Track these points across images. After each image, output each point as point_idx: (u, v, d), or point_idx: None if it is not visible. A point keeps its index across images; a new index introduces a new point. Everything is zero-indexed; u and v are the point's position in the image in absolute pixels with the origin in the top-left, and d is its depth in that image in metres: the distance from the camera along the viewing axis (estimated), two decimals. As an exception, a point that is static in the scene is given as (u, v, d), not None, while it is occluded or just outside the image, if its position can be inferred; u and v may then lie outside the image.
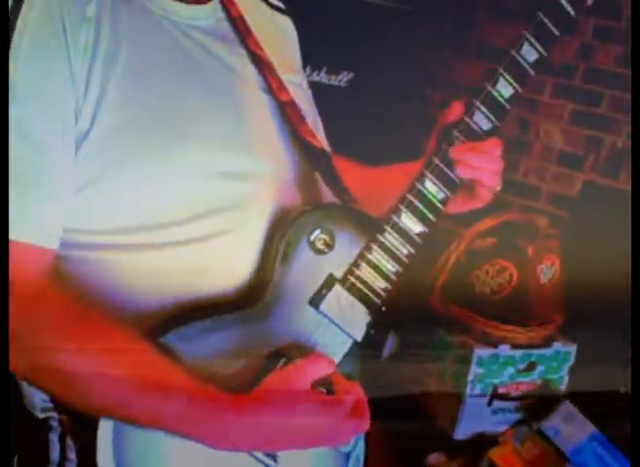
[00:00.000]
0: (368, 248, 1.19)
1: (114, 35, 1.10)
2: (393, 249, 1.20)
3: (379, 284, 1.20)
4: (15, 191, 1.03)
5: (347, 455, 1.27)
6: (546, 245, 2.23)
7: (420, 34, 3.17)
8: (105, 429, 1.07)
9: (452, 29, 3.33)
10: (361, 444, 1.28)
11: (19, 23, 1.04)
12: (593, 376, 2.04)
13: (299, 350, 1.16)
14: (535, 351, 2.10)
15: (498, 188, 1.28)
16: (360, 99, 3.05)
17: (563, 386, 2.16)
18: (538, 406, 2.07)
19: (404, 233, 1.20)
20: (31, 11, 1.05)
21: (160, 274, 1.14)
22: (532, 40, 1.21)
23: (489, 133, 1.24)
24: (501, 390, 2.06)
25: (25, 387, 1.16)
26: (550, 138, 3.22)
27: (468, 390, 2.00)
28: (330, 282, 1.17)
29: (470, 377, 2.00)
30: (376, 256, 1.19)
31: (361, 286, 1.19)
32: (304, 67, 1.46)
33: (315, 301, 1.17)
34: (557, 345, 2.14)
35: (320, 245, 1.17)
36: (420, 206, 1.20)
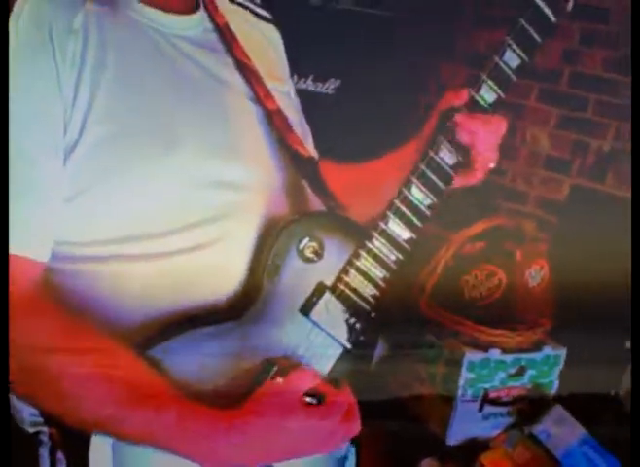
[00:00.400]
0: (356, 255, 1.19)
1: (101, 46, 1.10)
2: (381, 255, 1.20)
3: (368, 291, 1.20)
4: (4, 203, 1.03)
5: (341, 461, 1.27)
6: (534, 249, 2.23)
7: (406, 40, 3.18)
8: (100, 443, 1.06)
9: (438, 35, 3.34)
10: (352, 449, 1.28)
11: (10, 35, 1.04)
12: (583, 379, 2.05)
13: (289, 359, 1.16)
14: (525, 355, 2.10)
15: (492, 164, 1.27)
16: (347, 106, 3.05)
17: (554, 390, 2.17)
18: (529, 410, 2.07)
19: (392, 240, 1.20)
20: (18, 22, 1.05)
21: (149, 285, 1.13)
22: (514, 46, 1.21)
23: None
24: (492, 395, 2.06)
25: (15, 402, 1.16)
26: (536, 143, 3.23)
27: (459, 395, 2.00)
28: (319, 290, 1.18)
29: (461, 382, 2.00)
30: (365, 263, 1.20)
31: (350, 293, 1.19)
32: (291, 75, 1.46)
33: (305, 309, 1.17)
34: (547, 349, 2.14)
35: (309, 253, 1.17)
36: (407, 212, 1.21)
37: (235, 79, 1.26)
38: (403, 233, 1.21)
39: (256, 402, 1.08)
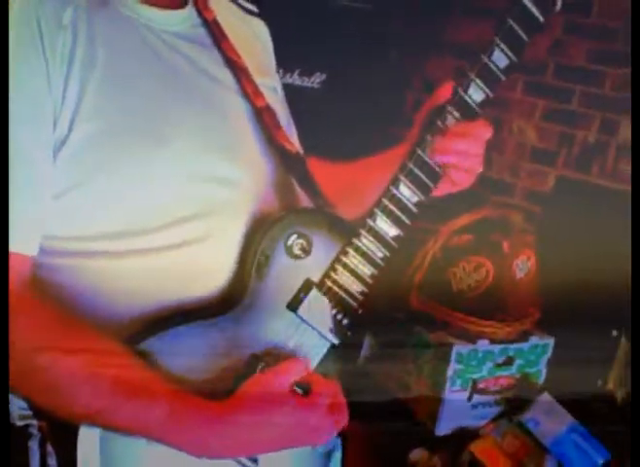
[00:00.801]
0: (344, 252, 1.20)
1: (90, 42, 1.10)
2: (369, 252, 1.21)
3: (356, 287, 1.21)
4: None
5: (327, 455, 1.27)
6: (521, 240, 2.25)
7: (391, 34, 3.19)
8: (88, 435, 1.07)
9: (424, 28, 3.34)
10: (339, 442, 1.29)
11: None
12: (571, 368, 2.06)
13: (277, 355, 1.17)
14: (513, 345, 2.12)
15: (479, 169, 1.28)
16: (333, 100, 3.06)
17: (542, 379, 2.18)
18: (517, 399, 2.09)
19: (379, 237, 1.21)
20: (8, 18, 1.05)
21: (139, 281, 1.14)
22: (502, 46, 1.22)
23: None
24: (480, 385, 2.07)
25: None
26: (523, 135, 3.25)
27: (448, 386, 2.02)
28: (307, 286, 1.18)
29: (449, 373, 2.01)
30: (353, 259, 1.20)
31: (338, 289, 1.20)
32: (277, 70, 1.46)
33: (293, 305, 1.18)
34: (534, 339, 2.16)
35: (297, 250, 1.18)
36: (395, 210, 1.21)
37: (224, 75, 1.26)
38: (390, 231, 1.21)
39: (245, 393, 1.09)
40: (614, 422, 1.98)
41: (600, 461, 1.93)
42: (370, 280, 1.22)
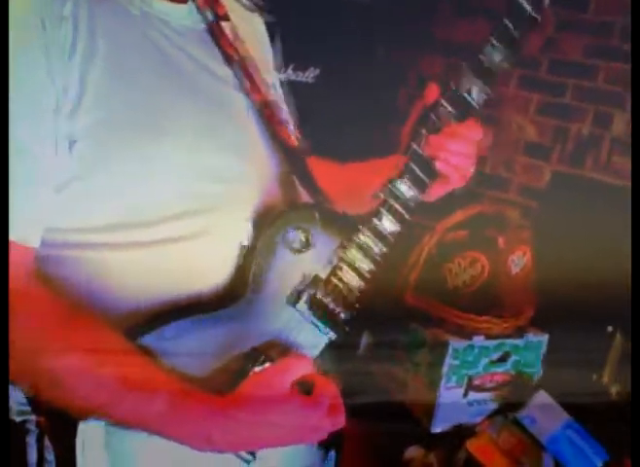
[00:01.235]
0: (343, 247, 1.21)
1: (91, 34, 1.10)
2: (367, 248, 1.21)
3: (354, 282, 1.22)
4: None
5: (323, 449, 1.28)
6: (517, 236, 2.25)
7: (385, 29, 3.18)
8: (89, 430, 1.07)
9: (417, 24, 3.34)
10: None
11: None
12: (566, 365, 2.06)
13: (277, 348, 1.17)
14: (508, 341, 2.12)
15: (471, 169, 1.29)
16: (328, 95, 3.05)
17: (537, 376, 2.18)
18: (513, 396, 2.09)
19: (377, 233, 1.22)
20: (11, 12, 1.04)
21: (141, 274, 1.14)
22: (495, 43, 1.22)
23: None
24: (476, 382, 2.07)
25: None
26: (521, 130, 3.24)
27: (443, 382, 2.02)
28: (306, 281, 1.19)
29: (445, 369, 2.01)
30: (351, 255, 1.21)
31: (337, 284, 1.21)
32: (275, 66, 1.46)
33: (292, 299, 1.18)
34: (530, 336, 2.16)
35: (297, 245, 1.18)
36: (394, 205, 1.22)
37: (225, 71, 1.26)
38: (389, 226, 1.22)
39: (247, 390, 1.10)
40: (609, 419, 1.98)
41: (596, 458, 1.93)
42: (368, 276, 1.22)
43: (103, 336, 1.07)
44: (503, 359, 2.12)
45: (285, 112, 1.36)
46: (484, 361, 2.09)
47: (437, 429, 2.03)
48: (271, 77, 1.39)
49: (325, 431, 1.15)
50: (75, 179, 1.09)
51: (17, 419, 1.15)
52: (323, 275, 1.20)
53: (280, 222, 1.18)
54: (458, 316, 2.08)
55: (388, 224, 1.22)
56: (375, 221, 1.21)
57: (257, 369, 1.14)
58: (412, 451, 1.95)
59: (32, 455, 1.14)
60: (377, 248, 1.22)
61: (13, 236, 1.05)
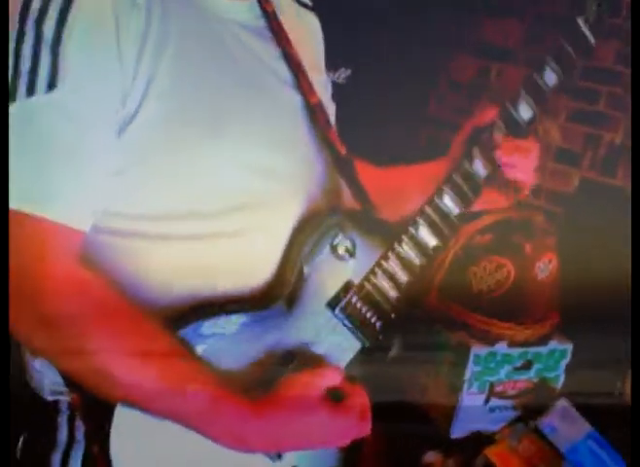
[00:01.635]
0: (385, 257, 1.22)
1: (163, 24, 1.11)
2: (408, 260, 1.23)
3: (392, 293, 1.22)
4: (51, 169, 1.03)
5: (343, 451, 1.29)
6: (543, 242, 2.23)
7: (418, 31, 3.17)
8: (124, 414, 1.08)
9: (449, 26, 3.33)
10: None
11: (74, 6, 1.04)
12: (590, 374, 2.05)
13: (310, 353, 1.20)
14: (532, 349, 2.10)
15: (530, 187, 1.32)
16: (359, 96, 3.05)
17: (560, 384, 2.17)
18: (535, 404, 2.07)
19: (419, 245, 1.23)
20: None
21: (184, 265, 1.15)
22: (553, 65, 1.26)
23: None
24: (498, 388, 2.06)
25: (34, 369, 1.17)
26: (547, 135, 3.22)
27: (464, 388, 2.01)
28: (347, 287, 1.21)
29: (466, 376, 2.00)
30: (392, 265, 1.23)
31: (375, 293, 1.22)
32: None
33: (332, 304, 1.20)
34: (554, 343, 2.14)
35: (341, 251, 1.20)
36: (437, 220, 1.24)
37: (282, 68, 1.27)
38: (430, 241, 1.24)
39: (282, 394, 1.11)
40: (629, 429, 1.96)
41: (616, 467, 1.91)
42: (404, 286, 1.24)
43: (149, 327, 1.08)
44: (526, 366, 2.11)
45: (332, 113, 1.37)
46: (507, 368, 2.08)
47: (456, 434, 2.02)
48: (324, 77, 1.39)
49: (350, 437, 1.17)
50: (132, 165, 1.10)
51: (49, 398, 1.16)
52: (363, 283, 1.22)
53: (327, 226, 1.19)
54: (482, 321, 2.07)
55: (429, 237, 1.23)
56: (416, 233, 1.23)
57: (290, 372, 1.16)
58: (431, 457, 1.95)
59: (62, 434, 1.16)
60: (417, 260, 1.23)
61: (62, 217, 1.04)
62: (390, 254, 1.22)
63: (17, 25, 1.02)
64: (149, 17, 1.08)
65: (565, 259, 2.23)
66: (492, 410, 2.06)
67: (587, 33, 1.25)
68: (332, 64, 3.04)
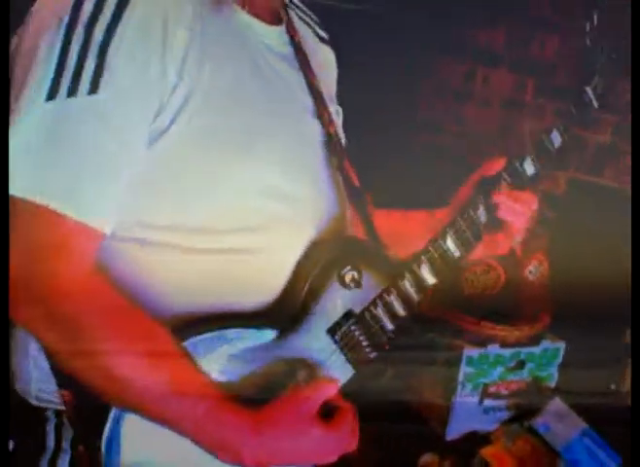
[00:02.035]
0: (387, 291, 1.26)
1: (202, 45, 1.12)
2: (407, 296, 1.27)
3: (389, 326, 1.27)
4: (81, 169, 1.04)
5: None
6: (534, 244, 2.25)
7: (402, 34, 3.18)
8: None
9: (433, 30, 3.34)
10: None
11: (126, 15, 1.06)
12: (583, 372, 2.06)
13: (309, 373, 1.21)
14: (524, 349, 2.11)
15: (521, 236, 1.37)
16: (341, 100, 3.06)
17: (553, 383, 2.18)
18: (529, 403, 2.08)
19: (419, 283, 1.27)
20: (137, 7, 1.07)
21: (194, 278, 1.16)
22: (561, 128, 1.34)
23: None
24: (491, 389, 2.07)
25: (21, 372, 1.18)
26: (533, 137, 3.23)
27: (458, 390, 2.02)
28: (348, 316, 1.24)
29: (460, 378, 2.01)
30: (392, 299, 1.26)
31: (373, 324, 1.26)
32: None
33: (333, 330, 1.23)
34: (546, 343, 2.15)
35: (348, 280, 1.23)
36: (439, 261, 1.28)
37: (305, 96, 1.30)
38: (430, 279, 1.28)
39: (277, 407, 1.12)
40: (626, 425, 1.97)
41: (611, 463, 1.92)
42: (402, 320, 1.28)
43: (157, 333, 1.08)
44: (519, 367, 2.12)
45: (343, 144, 1.39)
46: (500, 369, 2.09)
47: (451, 436, 2.03)
48: (335, 107, 1.41)
49: (339, 454, 1.18)
50: (157, 177, 1.12)
51: (34, 403, 1.17)
52: (363, 313, 1.25)
53: (338, 257, 1.23)
54: (473, 324, 2.08)
55: (429, 276, 1.28)
56: (418, 271, 1.27)
57: (289, 387, 1.17)
58: (427, 458, 1.96)
59: (50, 441, 1.17)
60: (416, 297, 1.27)
61: (85, 217, 1.05)
62: (392, 288, 1.26)
63: (65, 27, 1.04)
64: (192, 37, 1.11)
65: (556, 259, 2.24)
66: (486, 410, 2.07)
67: (593, 100, 1.35)
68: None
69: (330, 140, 1.31)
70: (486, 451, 1.94)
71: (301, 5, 1.43)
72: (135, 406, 1.08)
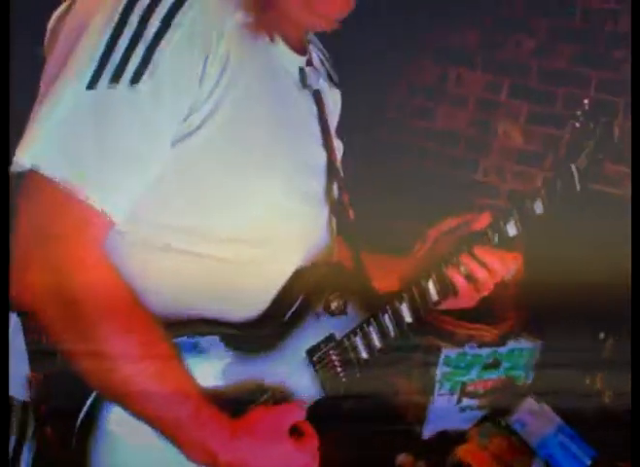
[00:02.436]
0: (367, 322, 1.30)
1: (240, 59, 1.15)
2: (385, 329, 1.31)
3: (364, 355, 1.30)
4: (108, 154, 1.07)
5: None
6: (508, 243, 2.25)
7: (377, 35, 3.20)
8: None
9: (408, 30, 3.36)
10: None
11: (181, 12, 1.08)
12: (558, 371, 2.08)
13: (282, 391, 1.24)
14: (500, 348, 2.13)
15: (485, 293, 1.38)
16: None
17: (529, 381, 2.20)
18: (504, 401, 2.10)
19: (397, 319, 1.31)
20: (191, 10, 1.09)
21: (189, 281, 1.18)
22: (544, 197, 1.38)
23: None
24: (469, 388, 2.09)
25: None
26: (508, 137, 3.26)
27: (436, 389, 2.03)
28: (329, 340, 1.28)
29: (437, 377, 2.02)
30: (371, 331, 1.30)
31: (350, 352, 1.30)
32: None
33: (312, 352, 1.27)
34: (522, 342, 2.17)
35: (333, 307, 1.28)
36: (418, 301, 1.32)
37: (315, 125, 1.33)
38: (407, 317, 1.32)
39: (255, 417, 1.15)
40: (601, 422, 1.99)
41: (587, 462, 1.94)
42: (376, 352, 1.32)
43: (152, 328, 1.09)
44: (495, 365, 2.13)
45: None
46: (477, 368, 2.10)
47: (428, 435, 2.04)
48: (337, 142, 1.44)
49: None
50: (175, 177, 1.14)
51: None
52: (343, 340, 1.29)
53: (325, 285, 1.27)
54: (451, 323, 2.10)
55: (406, 313, 1.31)
56: (399, 307, 1.31)
57: (261, 403, 1.20)
58: (402, 458, 1.97)
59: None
60: (392, 332, 1.31)
61: (102, 202, 1.07)
62: (372, 320, 1.30)
63: (118, 16, 1.07)
64: (229, 46, 1.13)
65: (532, 260, 2.25)
66: (463, 409, 2.09)
67: (576, 176, 1.39)
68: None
69: (333, 171, 1.34)
70: (462, 450, 1.95)
71: (317, 42, 1.45)
72: (118, 397, 1.09)
